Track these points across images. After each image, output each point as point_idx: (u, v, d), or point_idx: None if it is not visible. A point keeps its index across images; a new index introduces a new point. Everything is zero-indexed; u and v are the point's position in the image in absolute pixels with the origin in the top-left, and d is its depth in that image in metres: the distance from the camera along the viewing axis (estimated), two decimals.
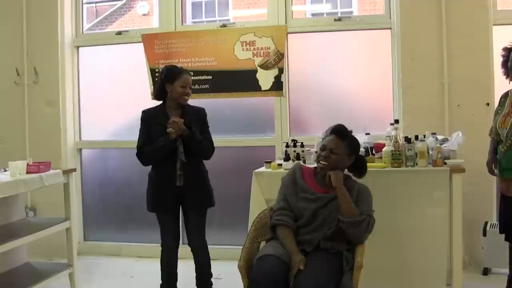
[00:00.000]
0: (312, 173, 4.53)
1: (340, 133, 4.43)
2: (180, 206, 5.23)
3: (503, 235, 4.84)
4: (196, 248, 5.24)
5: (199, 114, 5.24)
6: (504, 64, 4.82)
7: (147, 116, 5.19)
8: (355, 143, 4.52)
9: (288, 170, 4.67)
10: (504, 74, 4.85)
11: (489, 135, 5.04)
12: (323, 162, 4.35)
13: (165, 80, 5.11)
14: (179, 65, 6.27)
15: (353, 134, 4.54)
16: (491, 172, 5.05)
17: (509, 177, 4.67)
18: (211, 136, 5.27)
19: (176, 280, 5.33)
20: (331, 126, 4.52)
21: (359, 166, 4.59)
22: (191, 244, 5.23)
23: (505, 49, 4.85)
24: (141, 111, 5.27)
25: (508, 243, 4.86)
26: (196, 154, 5.12)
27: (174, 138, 4.94)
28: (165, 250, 5.27)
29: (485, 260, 5.97)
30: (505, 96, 4.87)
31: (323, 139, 4.55)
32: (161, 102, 5.22)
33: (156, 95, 5.25)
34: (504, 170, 4.71)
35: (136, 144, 5.15)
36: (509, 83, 4.82)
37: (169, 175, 5.06)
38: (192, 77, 6.52)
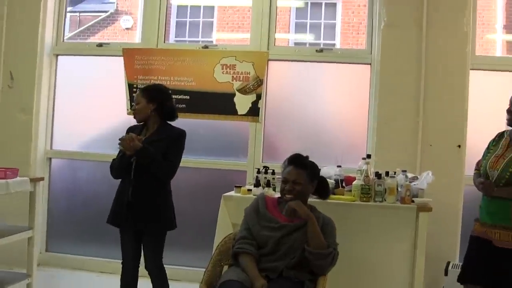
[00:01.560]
0: (276, 202, 4.54)
1: (298, 162, 4.48)
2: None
3: None
4: (151, 271, 5.10)
5: (171, 135, 5.11)
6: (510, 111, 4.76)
7: (128, 131, 5.16)
8: (314, 168, 4.58)
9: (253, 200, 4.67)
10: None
11: (475, 169, 4.92)
12: (288, 196, 4.37)
13: (164, 99, 5.18)
14: (157, 82, 6.35)
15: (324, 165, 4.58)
16: (490, 185, 4.56)
17: (494, 222, 4.50)
18: (176, 159, 5.09)
19: None
20: (288, 157, 4.56)
21: (322, 189, 4.68)
22: (147, 266, 5.10)
23: None
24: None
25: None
26: (149, 172, 4.94)
27: (129, 154, 4.88)
28: (123, 268, 5.19)
29: None
30: (500, 136, 4.76)
31: (282, 171, 4.56)
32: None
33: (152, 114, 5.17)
34: (490, 214, 4.54)
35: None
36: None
37: (124, 190, 5.03)
38: None
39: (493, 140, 4.82)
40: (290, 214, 4.31)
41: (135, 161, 4.92)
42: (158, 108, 5.08)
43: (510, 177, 4.40)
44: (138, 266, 5.17)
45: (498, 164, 4.50)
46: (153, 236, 5.06)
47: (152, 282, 5.14)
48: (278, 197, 4.61)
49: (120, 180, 5.17)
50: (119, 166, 5.03)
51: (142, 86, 5.50)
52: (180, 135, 5.15)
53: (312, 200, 4.76)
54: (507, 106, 4.58)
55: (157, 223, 5.02)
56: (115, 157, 5.15)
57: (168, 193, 5.15)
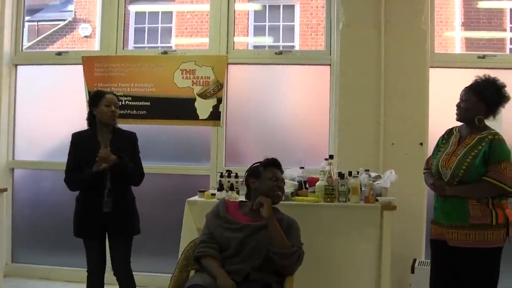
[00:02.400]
0: (237, 206, 4.54)
1: (278, 165, 4.58)
2: (106, 233, 5.14)
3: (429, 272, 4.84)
4: (120, 277, 5.14)
5: (130, 139, 5.23)
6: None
7: (77, 140, 5.16)
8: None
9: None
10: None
11: (425, 168, 4.97)
12: (280, 193, 4.47)
13: (90, 105, 5.15)
14: (117, 89, 6.33)
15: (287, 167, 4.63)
16: (442, 186, 4.57)
17: (450, 222, 4.48)
18: (141, 162, 5.24)
19: None
20: (267, 160, 4.58)
21: None
22: (116, 272, 5.13)
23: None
24: (71, 134, 5.23)
25: None
26: (124, 181, 5.08)
27: (104, 168, 4.87)
28: (90, 276, 5.17)
29: None
30: (449, 133, 4.78)
31: (262, 172, 4.53)
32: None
33: (88, 123, 5.18)
34: (446, 214, 4.54)
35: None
36: None
37: (96, 201, 4.99)
38: (130, 102, 6.55)
39: (442, 137, 4.84)
40: (257, 207, 4.29)
41: (108, 172, 4.92)
42: None
43: (464, 175, 4.41)
44: (104, 273, 5.18)
45: (451, 162, 4.50)
46: (122, 241, 5.11)
47: (120, 286, 5.17)
48: (240, 201, 4.65)
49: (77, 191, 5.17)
50: (89, 183, 4.95)
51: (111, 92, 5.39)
52: (136, 137, 5.27)
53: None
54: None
55: (126, 228, 5.10)
56: (68, 169, 5.11)
57: (133, 198, 5.24)
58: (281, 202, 4.67)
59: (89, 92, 6.95)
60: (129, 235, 5.15)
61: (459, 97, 4.60)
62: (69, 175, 5.09)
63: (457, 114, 4.60)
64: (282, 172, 4.60)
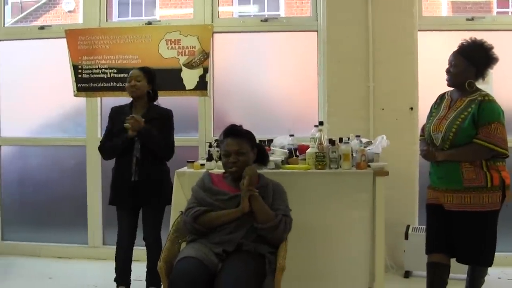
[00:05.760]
0: (222, 177, 4.51)
1: (236, 132, 4.45)
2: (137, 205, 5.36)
3: (423, 238, 4.81)
4: (148, 244, 5.35)
5: (162, 115, 5.41)
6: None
7: (113, 113, 5.48)
8: (251, 135, 4.53)
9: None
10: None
11: (420, 135, 4.94)
12: (233, 168, 4.33)
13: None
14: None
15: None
16: (431, 153, 4.57)
17: (445, 186, 4.49)
18: (171, 137, 5.42)
19: (130, 275, 5.44)
20: (223, 130, 4.52)
21: (261, 156, 4.65)
22: (145, 237, 5.36)
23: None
24: (111, 107, 5.57)
25: None
26: (152, 151, 5.24)
27: (132, 135, 5.13)
28: (118, 247, 5.39)
29: (406, 263, 6.04)
30: (441, 97, 4.77)
31: (220, 145, 4.54)
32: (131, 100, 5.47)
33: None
34: (440, 179, 4.54)
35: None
36: None
37: (126, 170, 5.23)
38: (115, 75, 6.54)
39: (435, 103, 4.83)
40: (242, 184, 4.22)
41: (137, 141, 5.19)
42: (151, 90, 5.44)
43: (454, 138, 4.41)
44: (133, 246, 5.43)
45: (441, 125, 4.50)
46: (152, 210, 5.34)
47: (147, 256, 5.39)
48: (223, 172, 4.56)
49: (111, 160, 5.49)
50: (120, 147, 5.23)
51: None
52: (170, 114, 5.50)
53: (265, 171, 4.74)
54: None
55: (158, 199, 5.32)
56: (103, 139, 5.47)
57: (167, 171, 5.47)
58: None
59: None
60: (158, 204, 5.35)
61: (448, 62, 4.56)
62: (104, 144, 5.41)
63: (447, 80, 4.59)
64: (244, 136, 4.43)
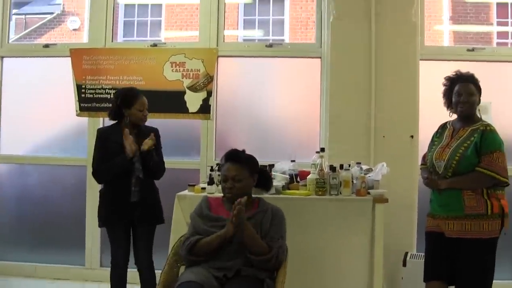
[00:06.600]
0: (221, 200, 4.48)
1: (235, 158, 4.41)
2: (131, 227, 5.30)
3: (422, 265, 4.83)
4: (142, 267, 5.26)
5: (153, 134, 5.32)
6: (446, 94, 4.80)
7: (103, 135, 5.32)
8: (252, 161, 4.50)
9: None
10: (445, 105, 4.82)
11: (421, 164, 4.99)
12: (229, 195, 4.31)
13: (122, 104, 5.21)
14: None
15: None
16: (434, 182, 4.62)
17: (446, 214, 4.50)
18: (162, 157, 5.42)
19: None
20: (224, 154, 4.50)
21: (263, 181, 4.61)
22: (138, 262, 5.26)
23: (447, 78, 4.78)
24: (97, 129, 5.56)
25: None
26: (149, 173, 5.23)
27: (130, 157, 5.08)
28: (114, 268, 5.27)
29: None
30: (443, 127, 4.82)
31: (220, 168, 4.53)
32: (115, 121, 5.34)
33: (112, 116, 5.30)
34: (442, 206, 4.56)
35: (89, 162, 5.49)
36: (450, 115, 4.77)
37: (124, 190, 5.12)
38: None
39: (437, 132, 4.89)
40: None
41: (138, 161, 5.12)
42: None
43: (457, 166, 4.46)
44: (127, 266, 5.32)
45: (444, 154, 4.55)
46: (146, 230, 5.28)
47: (141, 281, 5.31)
48: (222, 196, 4.52)
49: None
50: (119, 169, 5.12)
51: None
52: (158, 133, 5.44)
53: (266, 196, 4.73)
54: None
55: (151, 217, 5.28)
56: (96, 162, 5.28)
57: (157, 190, 5.44)
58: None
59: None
60: (153, 224, 5.31)
61: (456, 93, 4.60)
62: (99, 167, 5.23)
63: (463, 110, 4.61)
64: (243, 163, 4.38)
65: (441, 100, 4.80)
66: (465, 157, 4.44)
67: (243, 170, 4.34)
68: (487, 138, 4.46)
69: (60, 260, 7.18)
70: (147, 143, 5.11)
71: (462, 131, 4.59)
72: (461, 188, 4.44)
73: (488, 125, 4.54)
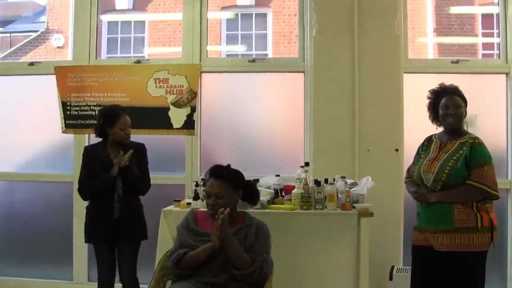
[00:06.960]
0: (207, 215, 4.42)
1: (217, 174, 4.35)
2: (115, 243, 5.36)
3: (408, 278, 4.84)
4: (126, 283, 5.33)
5: (139, 149, 5.46)
6: (430, 107, 4.81)
7: (89, 152, 5.49)
8: (236, 176, 4.43)
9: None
10: (430, 118, 4.83)
11: (406, 177, 5.00)
12: (211, 211, 4.25)
13: (105, 124, 5.32)
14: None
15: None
16: (423, 195, 4.60)
17: (435, 227, 4.50)
18: (148, 172, 5.55)
19: None
20: (208, 170, 4.47)
21: (250, 195, 4.59)
22: (122, 279, 5.34)
23: (432, 91, 4.80)
24: (84, 147, 5.74)
25: None
26: (132, 189, 5.34)
27: (115, 174, 5.19)
28: (102, 281, 5.35)
29: None
30: (429, 140, 4.83)
31: (205, 184, 4.52)
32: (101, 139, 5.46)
33: (98, 134, 5.43)
34: (430, 219, 4.56)
35: (72, 179, 5.69)
36: (436, 128, 4.80)
37: (107, 207, 5.24)
38: None
39: (422, 145, 4.90)
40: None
41: (119, 180, 5.24)
42: None
43: (447, 179, 4.46)
44: (114, 282, 5.40)
45: (433, 167, 4.55)
46: (130, 246, 5.36)
47: None
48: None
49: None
50: (103, 186, 5.23)
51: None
52: (145, 148, 5.61)
53: (251, 210, 4.71)
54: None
55: (134, 233, 5.37)
56: (81, 179, 5.44)
57: (141, 206, 5.53)
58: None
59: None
60: (136, 240, 5.39)
61: (443, 106, 4.62)
62: (84, 184, 5.40)
63: (452, 122, 4.63)
64: (226, 179, 4.31)
65: (425, 113, 4.81)
66: (455, 170, 4.45)
67: (226, 186, 4.28)
68: (477, 151, 4.48)
69: (49, 275, 7.17)
70: (123, 159, 5.16)
71: (450, 144, 4.60)
72: (451, 201, 4.44)
73: (476, 138, 4.57)
